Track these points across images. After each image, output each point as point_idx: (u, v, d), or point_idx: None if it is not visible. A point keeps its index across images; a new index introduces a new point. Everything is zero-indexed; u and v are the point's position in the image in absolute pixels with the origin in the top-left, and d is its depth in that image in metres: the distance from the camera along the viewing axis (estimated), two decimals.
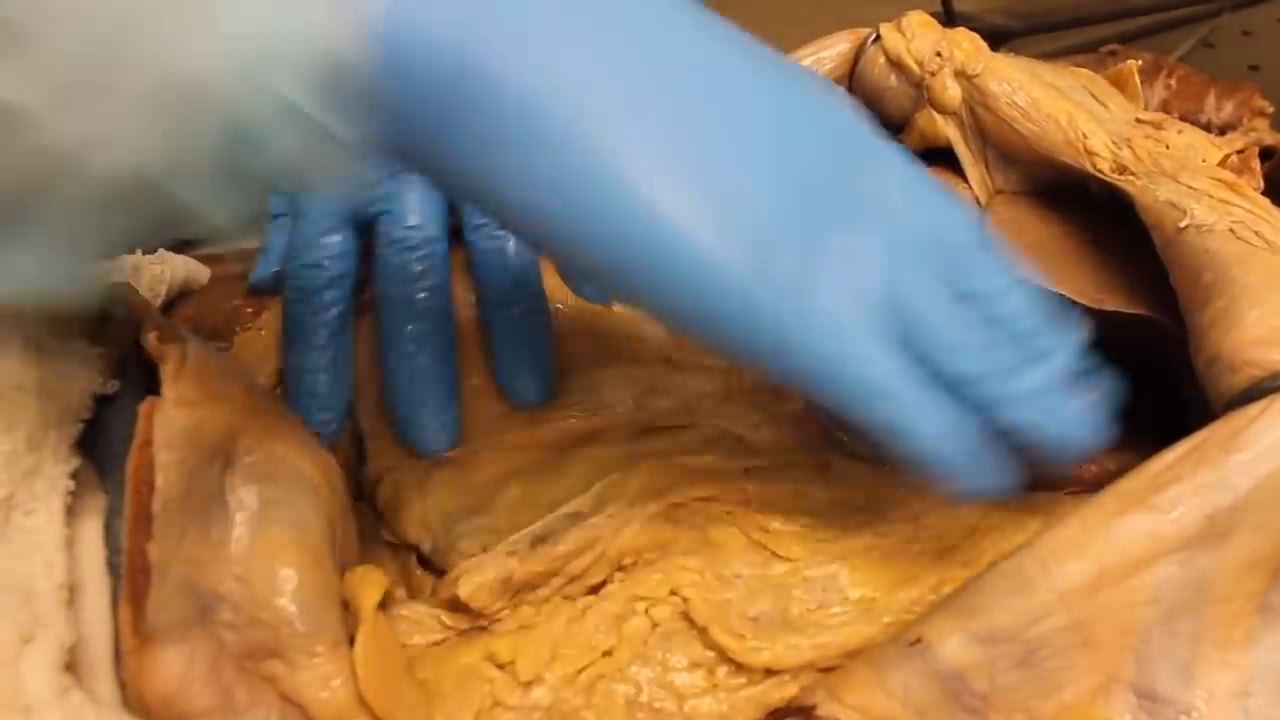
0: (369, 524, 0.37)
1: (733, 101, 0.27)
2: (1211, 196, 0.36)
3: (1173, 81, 0.57)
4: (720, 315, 0.26)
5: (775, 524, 0.32)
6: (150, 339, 0.29)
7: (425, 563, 0.35)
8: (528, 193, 0.25)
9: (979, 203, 0.43)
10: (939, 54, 0.41)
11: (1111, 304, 0.38)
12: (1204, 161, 0.39)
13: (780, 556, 0.32)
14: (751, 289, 0.26)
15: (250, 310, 0.40)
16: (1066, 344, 0.31)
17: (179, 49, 0.22)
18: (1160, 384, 0.41)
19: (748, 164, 0.26)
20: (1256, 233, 0.34)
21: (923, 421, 0.28)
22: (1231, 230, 0.34)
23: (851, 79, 0.44)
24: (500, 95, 0.24)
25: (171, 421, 0.27)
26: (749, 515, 0.32)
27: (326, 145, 0.24)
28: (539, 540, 0.32)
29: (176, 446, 0.27)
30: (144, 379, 0.36)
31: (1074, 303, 0.38)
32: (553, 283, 0.39)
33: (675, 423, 0.37)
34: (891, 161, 0.30)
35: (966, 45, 0.42)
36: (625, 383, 0.38)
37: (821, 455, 0.35)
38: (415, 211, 0.38)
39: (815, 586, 0.32)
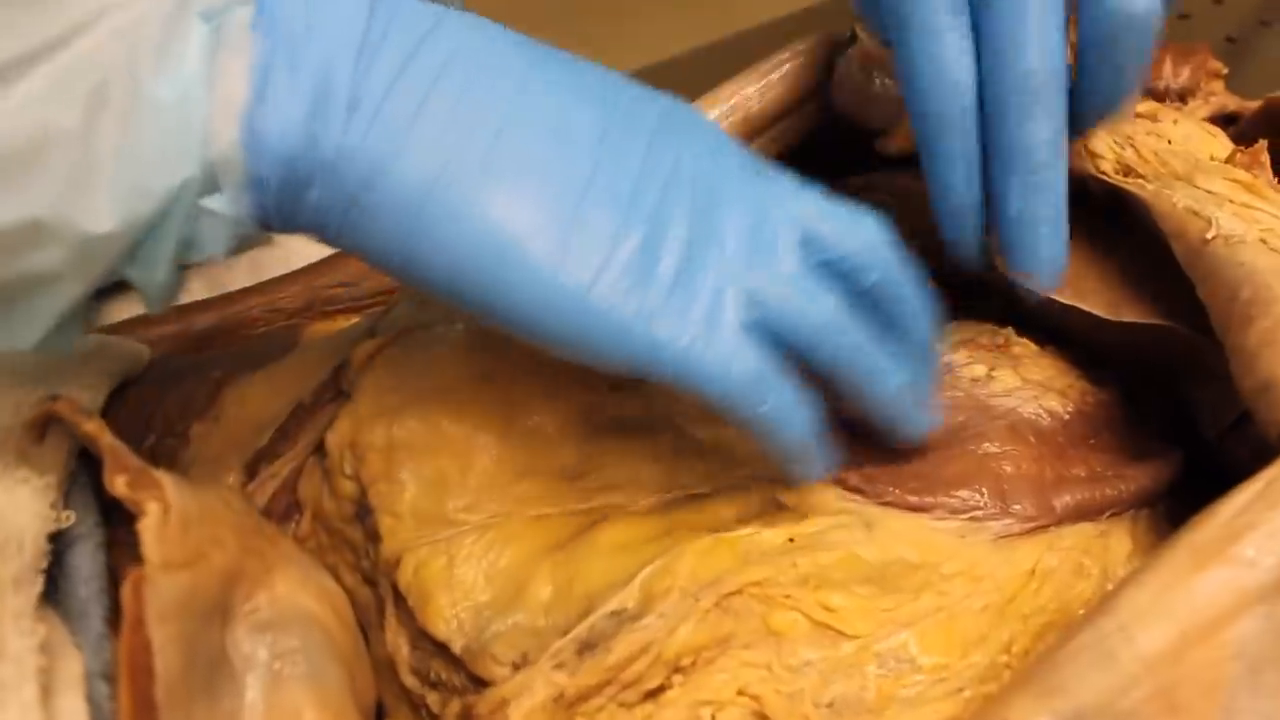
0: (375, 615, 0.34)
1: (563, 120, 0.30)
2: (1233, 201, 0.34)
3: None
4: (562, 321, 0.29)
5: (836, 599, 0.30)
6: (120, 485, 0.25)
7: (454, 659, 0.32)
8: (389, 242, 0.29)
9: None
10: None
11: (1129, 315, 0.36)
12: (1211, 158, 0.37)
13: (847, 635, 0.30)
14: (587, 290, 0.28)
15: (203, 398, 0.36)
16: (932, 333, 0.33)
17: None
18: (1162, 383, 0.40)
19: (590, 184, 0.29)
20: None
21: (787, 417, 0.30)
22: (1263, 241, 0.33)
23: (831, 88, 0.41)
24: (342, 171, 0.28)
25: (162, 592, 0.24)
26: (806, 594, 0.30)
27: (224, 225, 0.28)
28: (586, 648, 0.29)
29: (171, 618, 0.24)
30: (97, 503, 0.32)
31: (1091, 316, 0.37)
32: None
33: (703, 488, 0.34)
34: (758, 174, 0.31)
35: None
36: (646, 444, 0.35)
37: (863, 509, 0.33)
38: None
39: (887, 660, 0.30)
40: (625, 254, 0.29)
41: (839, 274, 0.31)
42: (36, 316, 0.28)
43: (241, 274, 0.56)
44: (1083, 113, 0.35)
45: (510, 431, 0.35)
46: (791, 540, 0.32)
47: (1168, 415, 0.39)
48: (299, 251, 0.57)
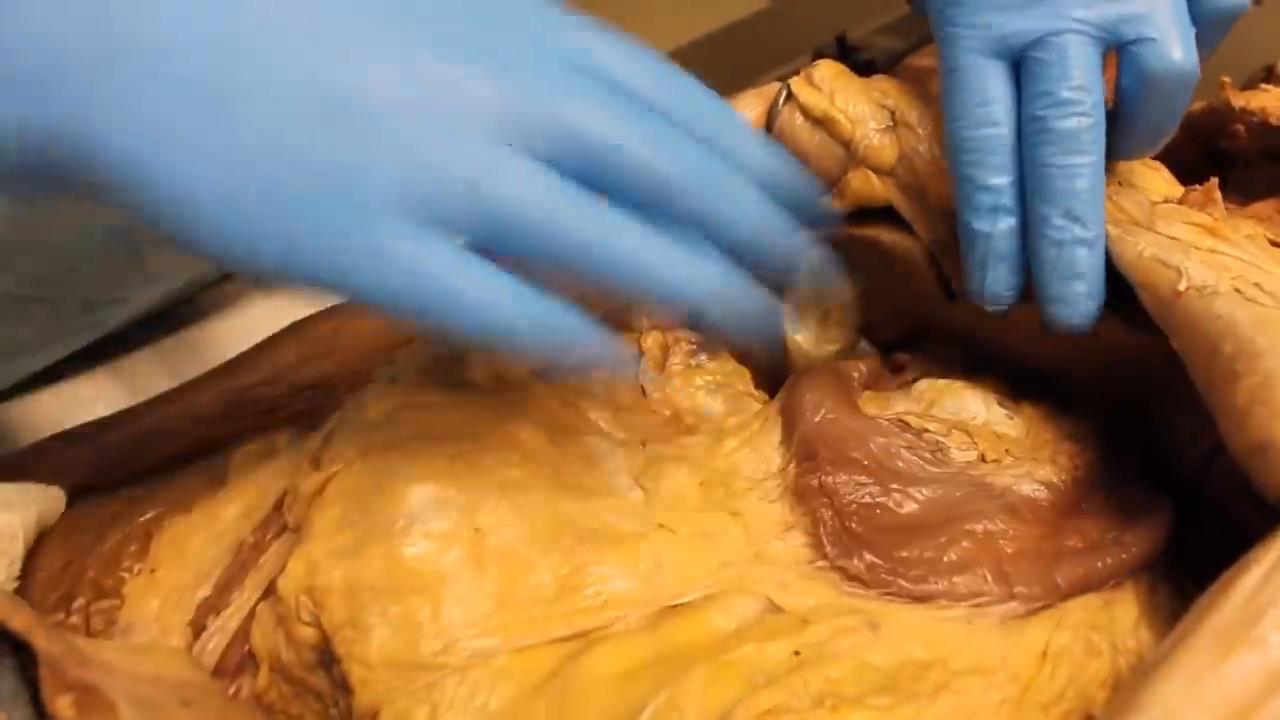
0: None
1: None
2: (1198, 248, 0.34)
3: None
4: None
5: (854, 716, 0.28)
6: (64, 708, 0.22)
7: None
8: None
9: (931, 254, 0.39)
10: (886, 107, 0.37)
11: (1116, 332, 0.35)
12: (1165, 200, 0.37)
13: None
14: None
15: (135, 548, 0.33)
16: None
17: None
18: (1133, 414, 0.40)
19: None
20: (1257, 285, 0.32)
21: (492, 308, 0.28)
22: (1237, 290, 0.32)
23: None
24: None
25: None
26: (824, 714, 0.28)
27: None
28: None
29: None
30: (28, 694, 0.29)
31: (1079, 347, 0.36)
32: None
33: (688, 594, 0.32)
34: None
35: (898, 93, 0.38)
36: (622, 553, 0.33)
37: (866, 606, 0.31)
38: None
39: None
40: None
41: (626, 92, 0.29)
42: None
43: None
44: (1119, 155, 0.36)
45: (479, 557, 0.33)
46: (797, 653, 0.30)
47: (1140, 448, 0.39)
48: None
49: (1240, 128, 0.48)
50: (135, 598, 0.32)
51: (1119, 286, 0.35)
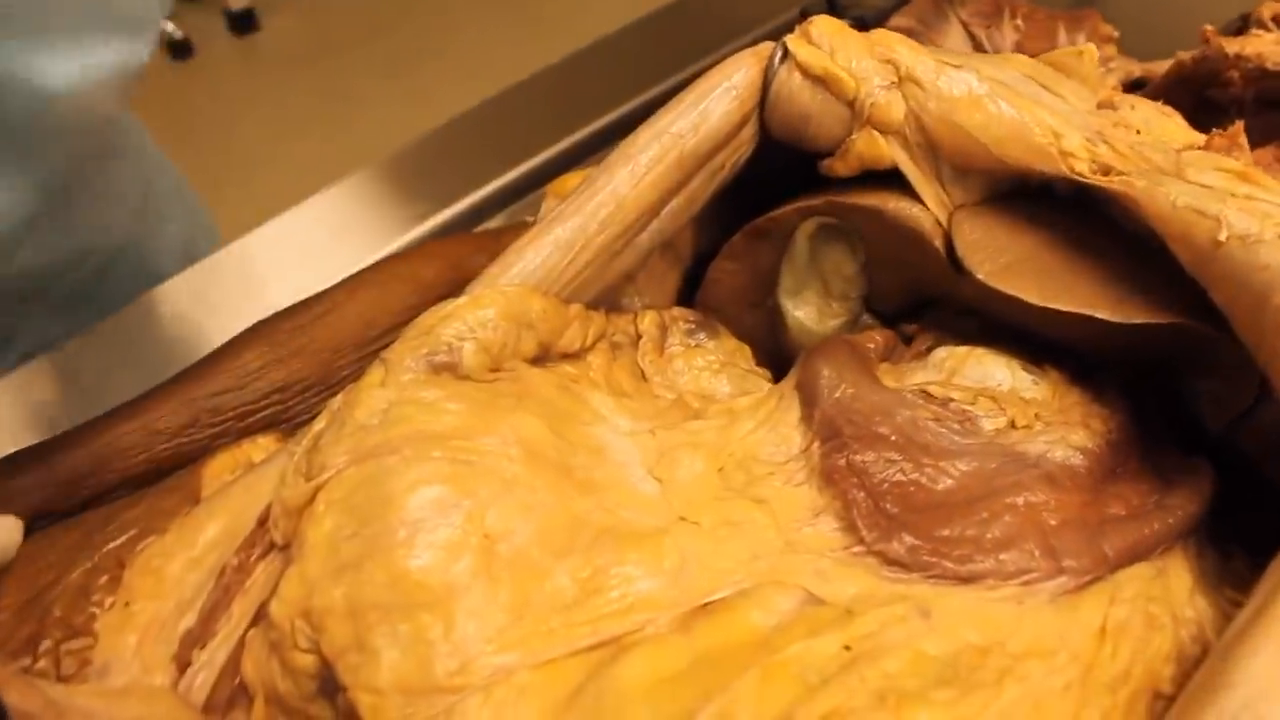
0: None
1: None
2: (1234, 195, 0.32)
3: (1019, 22, 0.54)
4: None
5: (920, 713, 0.26)
6: None
7: None
8: None
9: (939, 223, 0.37)
10: (890, 62, 0.35)
11: (1139, 318, 0.34)
12: (1188, 146, 0.35)
13: None
14: None
15: (105, 579, 0.30)
16: None
17: None
18: (1157, 378, 0.38)
19: None
20: None
21: None
22: None
23: (764, 108, 0.37)
24: None
25: None
26: (886, 716, 0.26)
27: None
28: None
29: None
30: None
31: (1101, 320, 0.34)
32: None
33: (720, 590, 0.30)
34: None
35: (902, 47, 0.36)
36: (644, 552, 0.30)
37: (912, 591, 0.29)
38: None
39: None
40: None
41: None
42: None
43: None
44: None
45: (491, 565, 0.30)
46: (848, 648, 0.28)
47: (1166, 412, 0.37)
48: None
49: (1235, 74, 0.47)
50: (109, 634, 0.29)
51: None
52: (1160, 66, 0.51)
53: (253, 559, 0.31)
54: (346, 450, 0.31)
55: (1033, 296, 0.34)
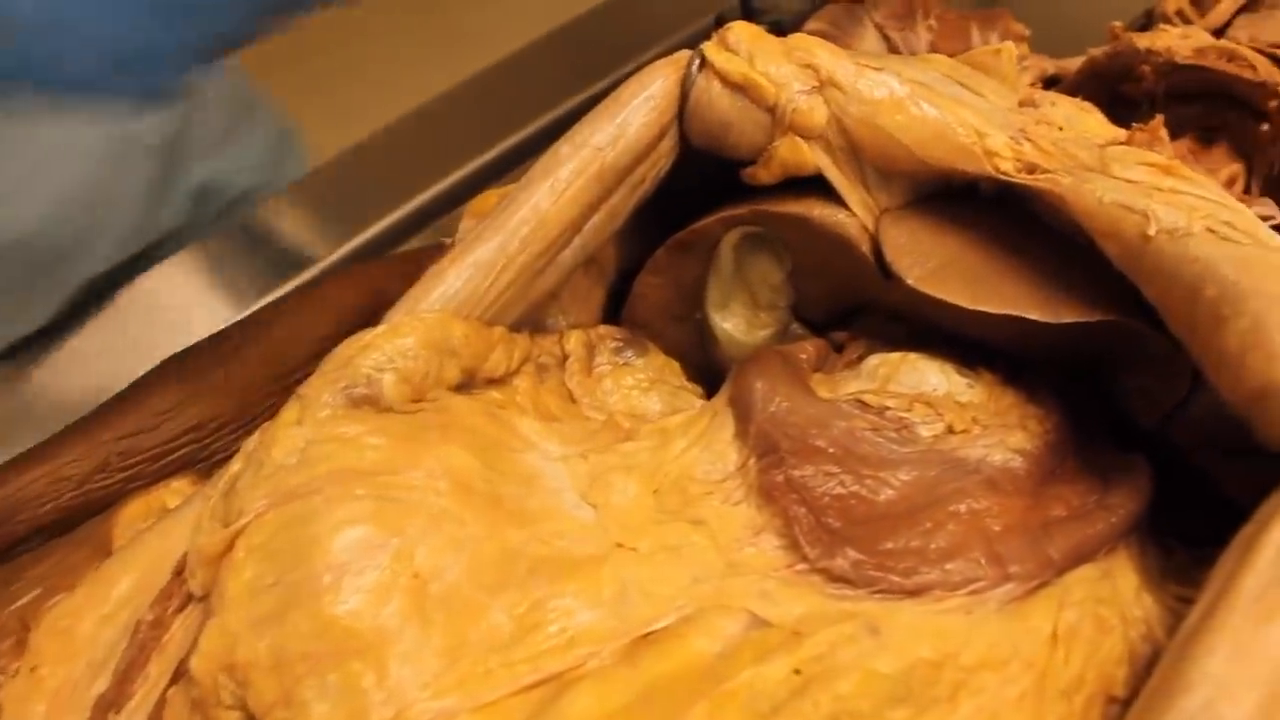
0: None
1: None
2: (1160, 189, 0.32)
3: (932, 22, 0.54)
4: None
5: None
6: None
7: None
8: None
9: (865, 228, 0.37)
10: (810, 66, 0.35)
11: (1069, 316, 0.33)
12: (1112, 142, 0.35)
13: None
14: None
15: (9, 643, 0.28)
16: None
17: None
18: (1087, 374, 0.38)
19: None
20: (1229, 224, 0.31)
21: None
22: (1210, 230, 0.30)
23: (683, 118, 0.36)
24: None
25: None
26: None
27: None
28: None
29: None
30: None
31: (1032, 321, 0.34)
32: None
33: (663, 619, 0.29)
34: None
35: (822, 51, 0.35)
36: (583, 582, 0.29)
37: (860, 609, 0.29)
38: None
39: None
40: None
41: None
42: None
43: None
44: None
45: (423, 606, 0.29)
46: (798, 672, 0.27)
47: (1100, 408, 0.37)
48: None
49: (1146, 69, 0.47)
50: (15, 704, 0.27)
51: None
52: (1073, 64, 0.51)
53: (170, 613, 0.30)
54: (265, 493, 0.30)
55: (963, 300, 0.34)
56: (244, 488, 0.30)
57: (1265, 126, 0.46)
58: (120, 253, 0.68)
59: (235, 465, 0.32)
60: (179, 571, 0.30)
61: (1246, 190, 0.46)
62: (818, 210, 0.37)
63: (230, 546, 0.29)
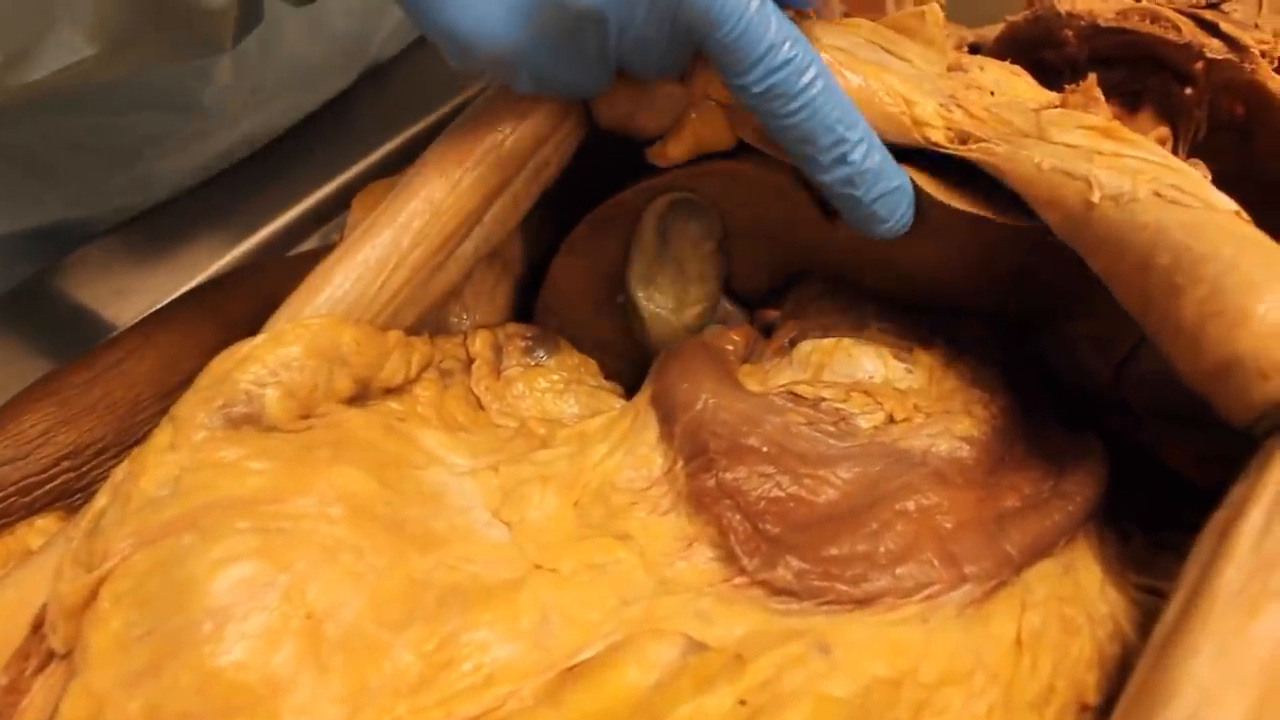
0: None
1: None
2: (1101, 153, 0.30)
3: None
4: None
5: None
6: None
7: None
8: None
9: (799, 178, 0.34)
10: None
11: (1025, 221, 0.31)
12: (1047, 105, 0.33)
13: None
14: None
15: None
16: None
17: None
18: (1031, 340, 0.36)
19: None
20: (1176, 186, 0.29)
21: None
22: (1157, 194, 0.28)
23: (595, 101, 0.33)
24: None
25: None
26: None
27: None
28: None
29: None
30: None
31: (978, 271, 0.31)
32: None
33: (589, 648, 0.26)
34: None
35: None
36: (497, 612, 0.26)
37: (807, 625, 0.26)
38: None
39: None
40: None
41: None
42: None
43: None
44: None
45: (318, 650, 0.25)
46: (743, 703, 0.24)
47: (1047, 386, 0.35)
48: None
49: (1069, 33, 0.45)
50: None
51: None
52: (991, 31, 0.49)
53: (28, 675, 0.26)
54: (132, 531, 0.26)
55: (934, 192, 0.31)
56: (109, 525, 0.27)
57: (1190, 89, 0.44)
58: None
59: (100, 500, 0.28)
60: (37, 626, 0.27)
61: (1174, 154, 0.45)
62: (751, 164, 0.34)
63: (94, 595, 0.26)
